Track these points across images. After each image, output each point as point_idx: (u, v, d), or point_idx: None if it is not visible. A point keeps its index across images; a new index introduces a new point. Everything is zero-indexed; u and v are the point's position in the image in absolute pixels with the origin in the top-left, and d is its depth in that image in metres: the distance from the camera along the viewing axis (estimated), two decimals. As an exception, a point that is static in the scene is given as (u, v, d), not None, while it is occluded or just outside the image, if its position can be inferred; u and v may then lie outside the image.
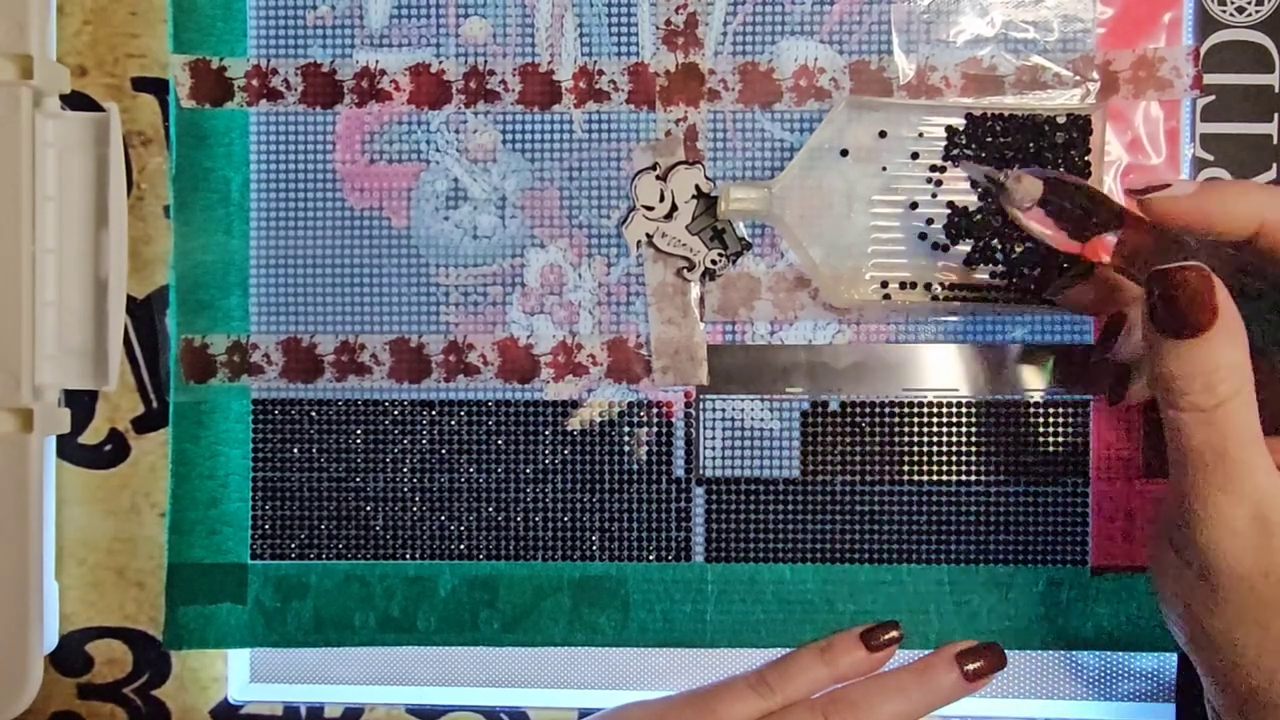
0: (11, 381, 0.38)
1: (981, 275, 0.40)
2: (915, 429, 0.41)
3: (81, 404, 0.42)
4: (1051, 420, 0.41)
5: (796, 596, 0.41)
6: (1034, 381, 0.41)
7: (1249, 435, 0.29)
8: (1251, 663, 0.30)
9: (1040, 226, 0.34)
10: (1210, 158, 0.40)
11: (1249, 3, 0.40)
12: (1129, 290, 0.36)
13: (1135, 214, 0.33)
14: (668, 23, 0.41)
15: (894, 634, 0.40)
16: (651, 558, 0.41)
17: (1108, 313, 0.37)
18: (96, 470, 0.42)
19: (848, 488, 0.41)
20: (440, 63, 0.41)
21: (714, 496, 0.41)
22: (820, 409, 0.41)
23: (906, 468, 0.41)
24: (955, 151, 0.39)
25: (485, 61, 0.41)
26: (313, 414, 0.42)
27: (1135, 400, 0.38)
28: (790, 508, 0.41)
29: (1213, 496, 0.29)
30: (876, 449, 0.41)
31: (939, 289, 0.40)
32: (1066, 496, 0.41)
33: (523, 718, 0.42)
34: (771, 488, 0.41)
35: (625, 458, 0.41)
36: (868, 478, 0.41)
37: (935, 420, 0.41)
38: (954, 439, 0.41)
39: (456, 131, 0.41)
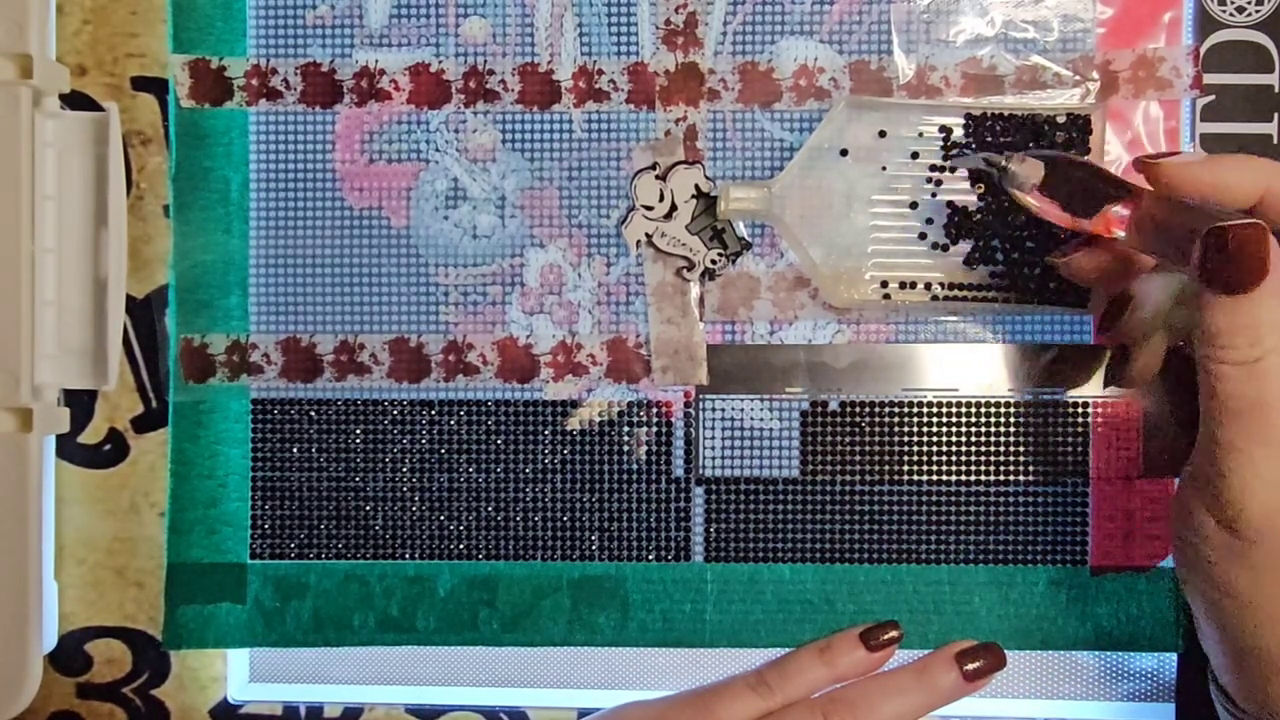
0: (11, 381, 0.38)
1: (981, 275, 0.40)
2: (915, 429, 0.41)
3: (81, 403, 0.42)
4: (1051, 420, 0.41)
5: (796, 596, 0.41)
6: (1042, 381, 0.41)
7: None
8: (1273, 635, 0.30)
9: (1046, 207, 0.34)
10: (1210, 157, 0.40)
11: (1249, 3, 0.40)
12: (1139, 263, 0.36)
13: (1141, 186, 0.33)
14: (667, 22, 0.41)
15: (894, 634, 0.40)
16: (651, 557, 0.41)
17: (1113, 290, 0.36)
18: (96, 470, 0.42)
19: (848, 488, 0.41)
20: (440, 62, 0.41)
21: (714, 496, 0.41)
22: (820, 409, 0.41)
23: (906, 468, 0.41)
24: (955, 152, 0.39)
25: (485, 61, 0.41)
26: (312, 414, 0.42)
27: (1136, 382, 0.37)
28: (790, 508, 0.41)
29: (1249, 448, 0.29)
30: (876, 449, 0.41)
31: (939, 289, 0.40)
32: (1066, 496, 0.41)
33: (522, 718, 0.42)
34: (771, 488, 0.41)
35: (625, 457, 0.41)
36: (868, 478, 0.41)
37: (935, 420, 0.41)
38: (954, 439, 0.41)
39: (456, 131, 0.41)
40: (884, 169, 0.40)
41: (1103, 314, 0.37)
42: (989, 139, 0.39)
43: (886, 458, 0.41)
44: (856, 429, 0.41)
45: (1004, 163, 0.34)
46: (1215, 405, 0.30)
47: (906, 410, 0.41)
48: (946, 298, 0.40)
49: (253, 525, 0.42)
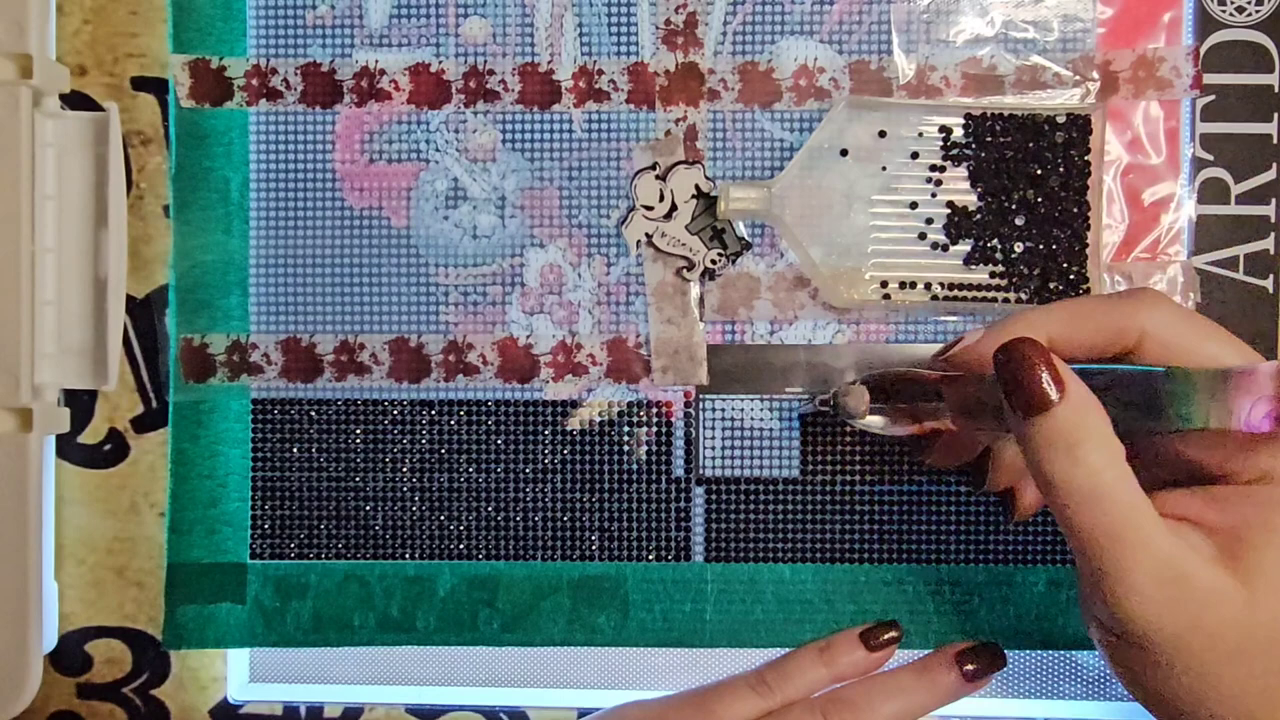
0: (11, 381, 0.38)
1: (981, 275, 0.40)
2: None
3: (81, 403, 0.42)
4: (1051, 420, 0.41)
5: (796, 596, 0.41)
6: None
7: (1131, 503, 0.29)
8: (1207, 716, 0.30)
9: (886, 425, 0.36)
10: (1210, 157, 0.40)
11: (1249, 3, 0.40)
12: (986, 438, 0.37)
13: (951, 374, 0.34)
14: (667, 22, 0.41)
15: (893, 634, 0.40)
16: (651, 557, 0.41)
17: (971, 457, 0.37)
18: (96, 470, 0.42)
19: (848, 488, 0.41)
20: (440, 62, 0.41)
21: (713, 496, 0.41)
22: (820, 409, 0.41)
23: (906, 468, 0.41)
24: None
25: (485, 61, 0.41)
26: (312, 414, 0.42)
27: (1032, 511, 0.37)
28: (790, 508, 0.41)
29: (1118, 573, 0.29)
30: (876, 449, 0.41)
31: (939, 289, 0.40)
32: (1066, 496, 0.41)
33: (522, 718, 0.42)
34: (771, 488, 0.41)
35: (625, 458, 0.41)
36: (868, 478, 0.41)
37: (935, 420, 0.41)
38: (954, 439, 0.41)
39: (456, 131, 0.41)
40: (884, 169, 0.40)
41: (969, 480, 0.39)
42: (989, 139, 0.39)
43: (887, 458, 0.41)
44: (856, 430, 0.41)
45: (834, 398, 0.36)
46: (1074, 541, 0.30)
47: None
48: (946, 298, 0.40)
49: (253, 525, 0.42)
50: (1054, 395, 0.29)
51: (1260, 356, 0.31)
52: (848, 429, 0.41)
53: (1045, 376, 0.29)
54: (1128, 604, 0.29)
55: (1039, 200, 0.39)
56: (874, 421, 0.36)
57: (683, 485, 0.41)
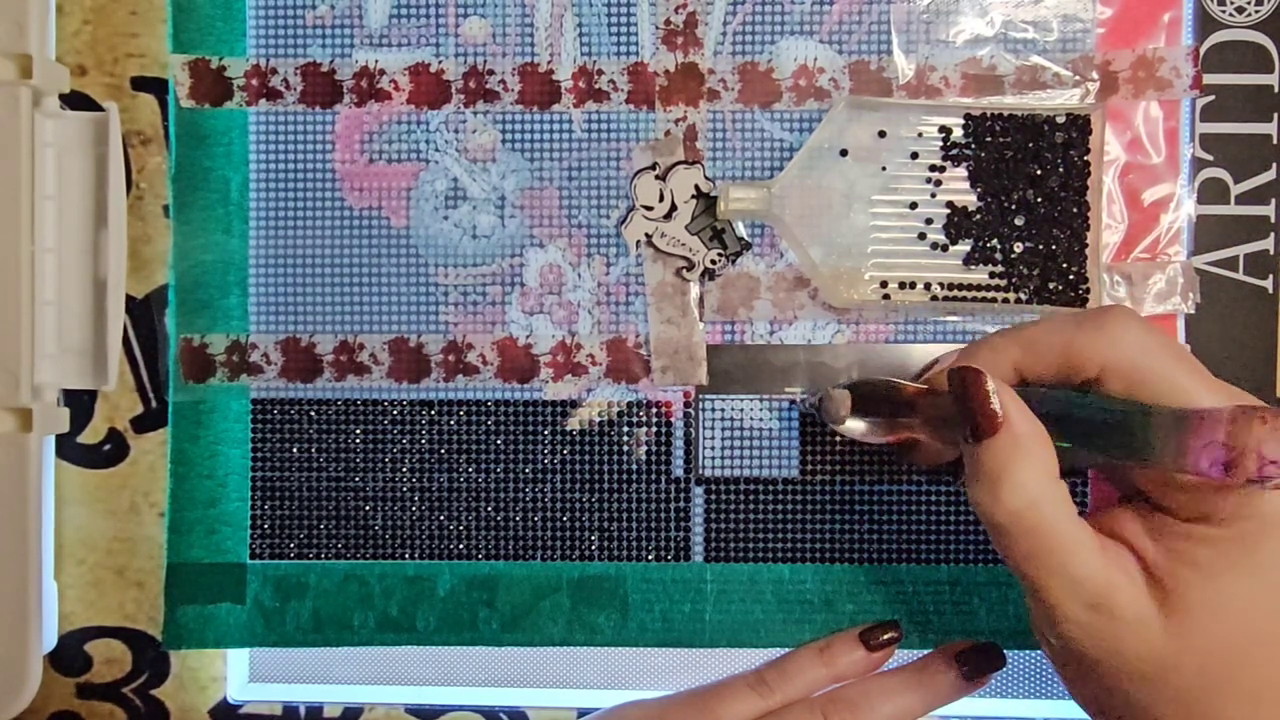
0: (11, 381, 0.38)
1: (981, 275, 0.40)
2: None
3: (81, 403, 0.42)
4: (1051, 420, 0.41)
5: (796, 596, 0.41)
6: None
7: (1061, 533, 0.30)
8: None
9: (865, 432, 0.37)
10: (1210, 158, 0.40)
11: (1249, 3, 0.40)
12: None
13: (921, 391, 0.35)
14: (667, 22, 0.41)
15: (893, 634, 0.40)
16: (650, 557, 0.41)
17: (951, 458, 0.38)
18: (96, 470, 0.42)
19: (848, 488, 0.41)
20: (440, 62, 0.41)
21: (713, 496, 0.41)
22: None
23: (906, 468, 0.41)
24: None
25: (485, 61, 0.41)
26: (312, 414, 0.42)
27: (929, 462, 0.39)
28: (790, 508, 0.41)
29: (1049, 598, 0.30)
30: (876, 449, 0.41)
31: (939, 289, 0.40)
32: (1066, 496, 0.41)
33: (522, 718, 0.42)
34: (771, 488, 0.41)
35: (624, 458, 0.41)
36: (868, 478, 0.41)
37: (935, 420, 0.41)
38: (953, 439, 0.41)
39: (456, 131, 0.41)
40: (884, 169, 0.40)
41: (951, 472, 0.40)
42: (989, 139, 0.39)
43: (887, 458, 0.41)
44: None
45: (819, 399, 0.37)
46: (1011, 563, 0.31)
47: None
48: (946, 298, 0.40)
49: (252, 525, 0.42)
50: (994, 424, 0.30)
51: (1228, 387, 0.30)
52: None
53: (987, 407, 0.30)
54: (1062, 627, 0.30)
55: (1039, 200, 0.39)
56: (854, 427, 0.37)
57: (682, 485, 0.41)
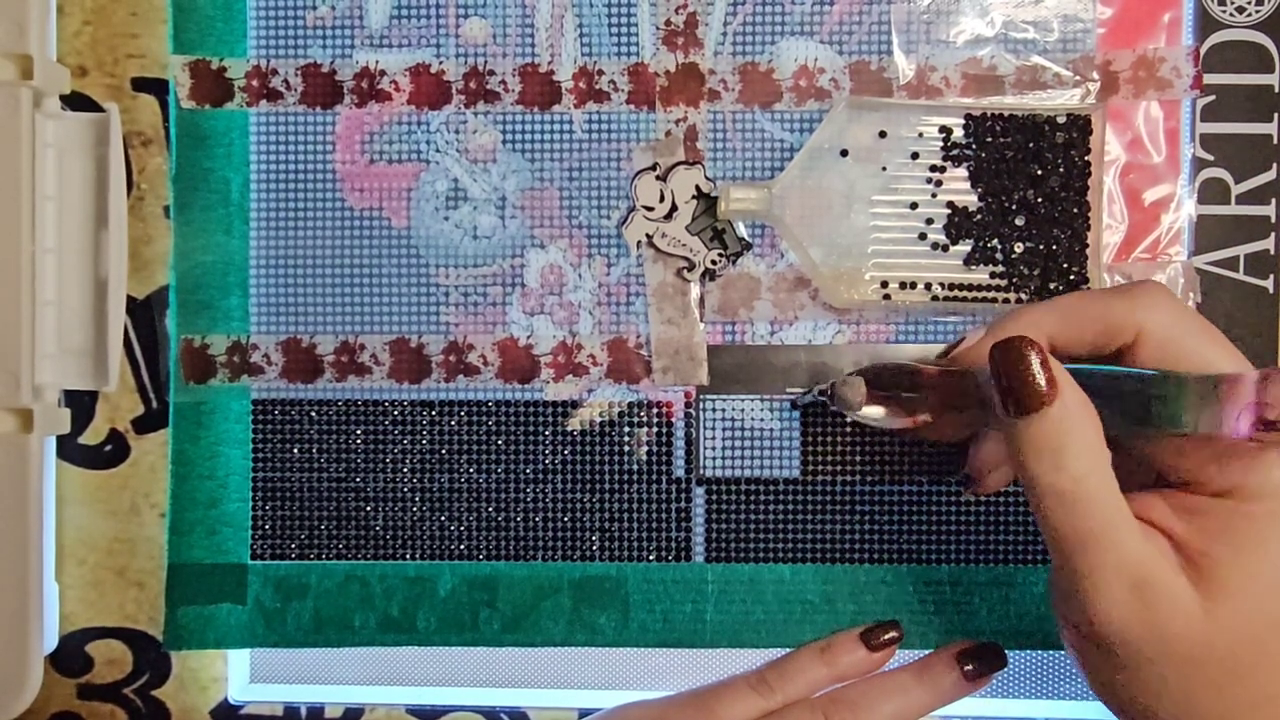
0: (11, 381, 0.38)
1: (981, 275, 0.40)
2: (915, 429, 0.41)
3: (81, 404, 0.42)
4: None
5: (796, 596, 0.41)
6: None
7: (1111, 508, 0.30)
8: None
9: (881, 417, 0.36)
10: (1210, 158, 0.40)
11: (1249, 3, 0.40)
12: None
13: (941, 371, 0.35)
14: (668, 23, 0.41)
15: (894, 634, 0.40)
16: (651, 558, 0.41)
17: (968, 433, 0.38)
18: (96, 470, 0.42)
19: (848, 488, 0.41)
20: (440, 63, 0.41)
21: (714, 496, 0.41)
22: (820, 409, 0.41)
23: (906, 468, 0.41)
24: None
25: (485, 62, 0.41)
26: (313, 414, 0.42)
27: (992, 489, 0.38)
28: (790, 508, 0.41)
29: (1090, 574, 0.30)
30: (876, 449, 0.41)
31: (939, 289, 0.40)
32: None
33: (523, 718, 0.42)
34: (771, 488, 0.41)
35: (625, 458, 0.41)
36: (868, 478, 0.41)
37: (935, 420, 0.41)
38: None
39: (456, 132, 0.41)
40: (884, 169, 0.40)
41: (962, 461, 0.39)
42: (989, 139, 0.39)
43: (887, 458, 0.41)
44: (857, 429, 0.41)
45: (832, 389, 0.37)
46: (1050, 538, 0.30)
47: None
48: (946, 298, 0.40)
49: (253, 526, 0.42)
50: (1047, 397, 0.30)
51: (1249, 363, 0.31)
52: (848, 428, 0.41)
53: (1040, 377, 0.30)
54: (1098, 606, 0.30)
55: (1039, 200, 0.39)
56: (870, 413, 0.36)
57: (683, 485, 0.41)
